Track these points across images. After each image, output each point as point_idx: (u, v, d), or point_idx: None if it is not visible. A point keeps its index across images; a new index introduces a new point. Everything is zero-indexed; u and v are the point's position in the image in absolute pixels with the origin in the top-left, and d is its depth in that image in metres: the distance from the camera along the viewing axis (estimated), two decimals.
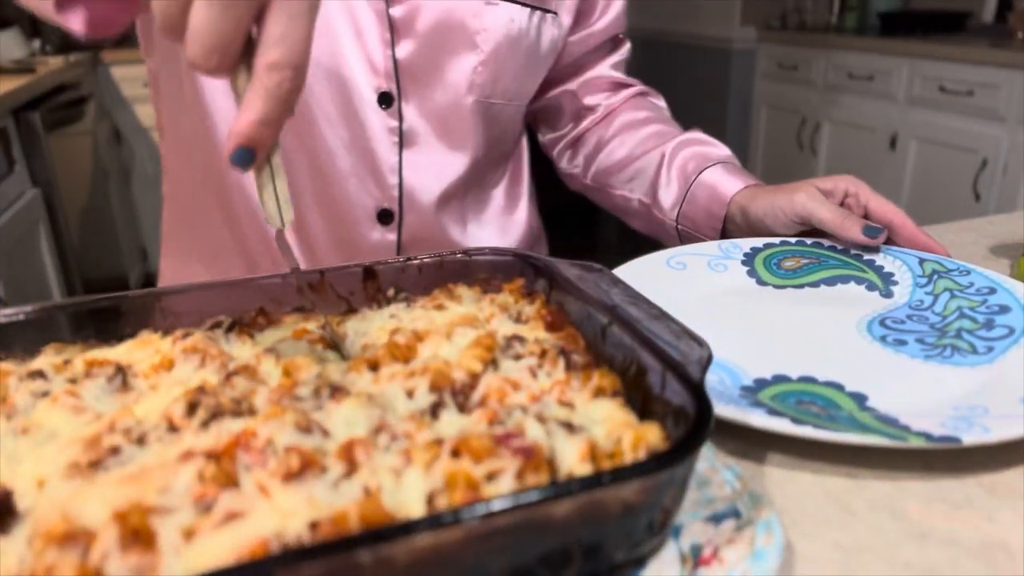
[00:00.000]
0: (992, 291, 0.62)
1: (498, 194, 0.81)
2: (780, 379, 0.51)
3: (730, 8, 3.23)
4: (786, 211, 0.70)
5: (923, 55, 2.42)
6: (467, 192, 0.77)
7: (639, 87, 0.92)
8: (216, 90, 0.68)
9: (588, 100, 0.88)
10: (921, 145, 2.49)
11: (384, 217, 0.73)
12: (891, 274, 0.67)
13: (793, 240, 0.72)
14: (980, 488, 0.41)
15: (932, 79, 2.41)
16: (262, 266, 0.75)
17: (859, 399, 0.49)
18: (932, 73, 2.41)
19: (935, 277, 0.65)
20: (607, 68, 0.88)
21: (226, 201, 0.74)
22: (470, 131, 0.74)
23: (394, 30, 0.68)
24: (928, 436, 0.41)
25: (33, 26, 2.69)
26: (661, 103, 0.93)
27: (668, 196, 0.80)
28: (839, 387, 0.50)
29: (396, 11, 0.67)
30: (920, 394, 0.50)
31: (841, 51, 2.76)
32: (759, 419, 0.43)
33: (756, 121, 3.27)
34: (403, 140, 0.71)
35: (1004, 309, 0.59)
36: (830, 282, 0.67)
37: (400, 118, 0.70)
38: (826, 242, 0.72)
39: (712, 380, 0.50)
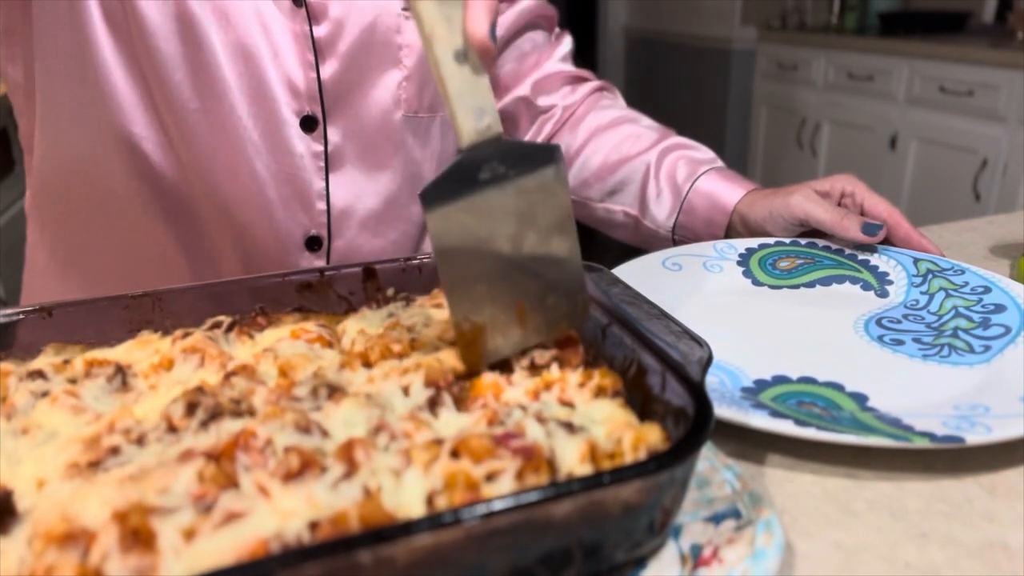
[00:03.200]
0: (987, 290, 0.62)
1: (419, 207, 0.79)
2: (780, 380, 0.51)
3: (730, 8, 3.23)
4: (784, 215, 0.70)
5: (923, 55, 2.42)
6: (395, 208, 0.75)
7: (595, 82, 0.88)
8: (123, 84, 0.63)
9: (543, 101, 0.85)
10: (921, 145, 2.49)
11: (312, 244, 0.71)
12: (886, 274, 0.67)
13: (788, 240, 0.72)
14: (980, 488, 0.41)
15: (932, 79, 2.41)
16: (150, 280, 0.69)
17: (860, 399, 0.49)
18: (932, 73, 2.41)
19: (930, 276, 0.65)
20: (556, 63, 0.85)
21: (125, 214, 0.69)
22: (398, 148, 0.72)
23: (318, 51, 0.65)
24: (932, 436, 0.41)
25: None
26: (620, 99, 0.90)
27: (661, 208, 0.78)
28: (839, 387, 0.50)
29: (319, 31, 0.65)
30: (920, 394, 0.50)
31: (841, 51, 2.76)
32: (762, 421, 0.43)
33: (756, 121, 3.27)
34: (329, 164, 0.69)
35: (999, 308, 0.59)
36: (825, 282, 0.68)
37: (325, 141, 0.68)
38: (820, 242, 0.72)
39: (712, 382, 0.50)
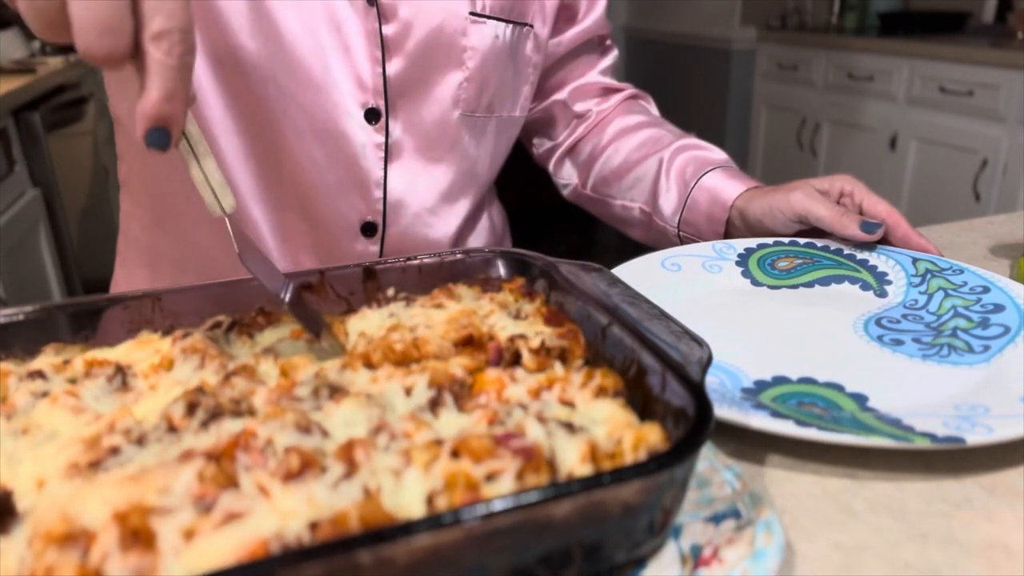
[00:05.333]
0: (986, 290, 0.62)
1: (475, 200, 0.81)
2: (780, 380, 0.51)
3: (730, 8, 3.23)
4: (784, 211, 0.70)
5: (923, 55, 2.42)
6: (448, 201, 0.78)
7: (630, 90, 0.92)
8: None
9: (579, 107, 0.89)
10: (921, 145, 2.49)
11: (368, 230, 0.74)
12: (885, 273, 0.67)
13: (787, 240, 0.72)
14: (980, 488, 0.41)
15: (932, 79, 2.41)
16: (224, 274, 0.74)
17: (860, 400, 0.49)
18: (932, 73, 2.41)
19: (928, 276, 0.65)
20: (596, 74, 0.89)
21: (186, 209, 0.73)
22: (455, 144, 0.75)
23: (385, 48, 0.68)
24: (932, 437, 0.41)
25: None
26: (652, 107, 0.93)
27: (668, 203, 0.80)
28: (839, 388, 0.50)
29: (388, 29, 0.68)
30: (920, 394, 0.50)
31: (841, 51, 2.76)
32: (763, 421, 0.43)
33: (756, 121, 3.27)
34: (388, 155, 0.72)
35: (999, 308, 0.59)
36: (824, 282, 0.68)
37: (387, 133, 0.71)
38: (819, 242, 0.72)
39: (712, 383, 0.50)
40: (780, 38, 3.09)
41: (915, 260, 0.67)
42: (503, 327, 0.46)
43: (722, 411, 0.43)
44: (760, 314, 0.63)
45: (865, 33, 2.87)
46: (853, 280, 0.67)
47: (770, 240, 0.72)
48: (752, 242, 0.72)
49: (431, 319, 0.48)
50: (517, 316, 0.49)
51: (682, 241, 0.80)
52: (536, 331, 0.45)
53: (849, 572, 0.36)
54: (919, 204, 2.51)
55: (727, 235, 0.77)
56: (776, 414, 0.44)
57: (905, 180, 2.56)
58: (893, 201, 2.56)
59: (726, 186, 0.76)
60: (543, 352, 0.43)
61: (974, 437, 0.41)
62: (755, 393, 0.49)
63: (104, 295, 0.48)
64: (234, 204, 0.43)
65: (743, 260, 0.70)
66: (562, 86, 0.88)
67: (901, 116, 2.55)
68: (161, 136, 0.38)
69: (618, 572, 0.33)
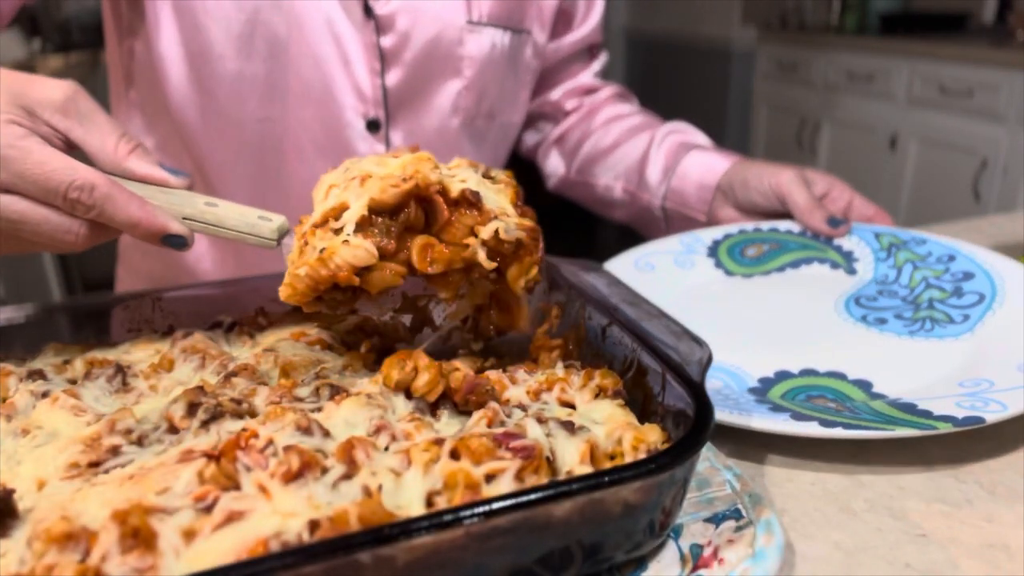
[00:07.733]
0: (952, 258, 0.63)
1: None
2: (783, 376, 0.52)
3: (730, 8, 3.23)
4: (771, 183, 0.72)
5: (923, 55, 2.42)
6: None
7: (616, 88, 0.95)
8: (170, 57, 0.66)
9: (569, 104, 0.91)
10: (921, 145, 2.49)
11: None
12: (851, 252, 0.68)
13: (751, 227, 0.73)
14: (980, 488, 0.41)
15: (932, 79, 2.41)
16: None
17: (865, 387, 0.49)
18: (932, 73, 2.41)
19: (894, 250, 0.67)
20: (588, 76, 0.91)
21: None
22: (455, 152, 0.76)
23: (384, 59, 0.70)
24: (954, 420, 0.42)
25: (33, 26, 2.69)
26: (636, 102, 0.96)
27: (654, 173, 0.81)
28: (842, 376, 0.51)
29: (386, 41, 0.69)
30: (920, 373, 0.50)
31: (841, 51, 2.76)
32: (785, 424, 0.43)
33: (756, 121, 3.27)
34: None
35: (968, 275, 0.60)
36: (794, 265, 0.69)
37: (387, 143, 0.72)
38: (783, 225, 0.72)
39: (716, 385, 0.50)
40: (780, 38, 3.09)
41: (877, 234, 0.69)
42: (464, 180, 0.41)
43: (730, 417, 0.43)
44: (741, 307, 0.63)
45: (865, 33, 2.86)
46: (821, 260, 0.69)
47: (734, 228, 0.73)
48: (718, 232, 0.73)
49: (385, 165, 0.42)
50: (486, 176, 0.44)
51: (666, 216, 0.81)
52: (499, 205, 0.41)
53: (849, 572, 0.36)
54: (919, 204, 2.51)
55: (711, 208, 0.77)
56: (798, 416, 0.44)
57: (905, 180, 2.56)
58: (893, 201, 2.55)
59: (717, 157, 0.78)
60: (497, 244, 0.40)
61: (991, 415, 0.42)
62: (762, 392, 0.50)
63: (104, 295, 0.48)
64: (277, 226, 0.43)
65: (713, 251, 0.71)
66: (554, 87, 0.90)
67: (901, 116, 2.54)
68: (170, 241, 0.41)
69: (618, 572, 0.33)
